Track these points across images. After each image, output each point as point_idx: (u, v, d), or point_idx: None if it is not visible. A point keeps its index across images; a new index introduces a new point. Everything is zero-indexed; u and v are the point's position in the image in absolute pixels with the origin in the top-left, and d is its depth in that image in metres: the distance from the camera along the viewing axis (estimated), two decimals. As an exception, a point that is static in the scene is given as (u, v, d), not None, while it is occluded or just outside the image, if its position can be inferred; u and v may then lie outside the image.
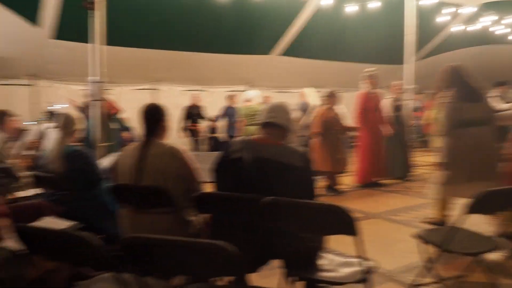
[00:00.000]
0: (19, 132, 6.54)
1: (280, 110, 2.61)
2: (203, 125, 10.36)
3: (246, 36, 9.77)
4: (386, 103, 7.02)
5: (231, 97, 9.92)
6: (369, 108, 6.57)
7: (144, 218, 2.71)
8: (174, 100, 10.88)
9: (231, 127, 9.85)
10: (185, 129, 9.94)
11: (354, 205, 5.32)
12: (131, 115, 10.48)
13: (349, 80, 10.08)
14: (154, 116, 2.82)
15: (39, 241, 1.91)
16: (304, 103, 7.79)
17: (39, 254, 1.99)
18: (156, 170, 2.63)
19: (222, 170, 2.60)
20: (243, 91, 11.71)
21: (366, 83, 6.66)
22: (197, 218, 2.78)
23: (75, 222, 2.40)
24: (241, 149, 2.52)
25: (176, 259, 1.69)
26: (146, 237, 1.71)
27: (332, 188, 6.32)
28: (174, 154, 2.68)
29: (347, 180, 6.81)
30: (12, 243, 2.06)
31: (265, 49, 10.73)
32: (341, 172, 6.39)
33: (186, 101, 10.46)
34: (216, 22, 9.01)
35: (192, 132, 10.02)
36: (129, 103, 10.51)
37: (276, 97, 11.74)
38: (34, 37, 8.18)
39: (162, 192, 2.54)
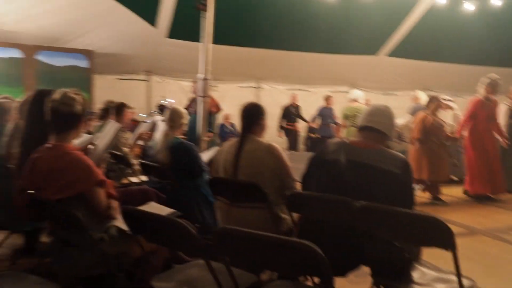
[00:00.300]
0: (135, 123, 7.18)
1: (381, 114, 2.51)
2: (300, 124, 10.36)
3: (351, 36, 9.52)
4: (502, 110, 6.40)
5: (327, 98, 9.86)
6: (480, 116, 5.99)
7: (238, 211, 2.81)
8: (275, 99, 11.11)
9: (325, 127, 9.80)
10: (282, 128, 10.01)
11: (459, 218, 4.94)
12: (234, 112, 10.95)
13: (461, 84, 9.37)
14: (252, 114, 2.92)
15: (143, 224, 2.09)
16: (416, 106, 7.28)
17: (142, 235, 2.17)
18: (251, 165, 2.72)
19: (315, 171, 2.59)
20: (345, 92, 11.53)
21: (483, 89, 6.07)
22: (289, 216, 2.81)
23: (175, 210, 2.57)
24: (336, 151, 2.49)
25: (265, 254, 1.73)
26: (238, 230, 1.77)
27: (436, 198, 5.95)
28: (270, 151, 2.74)
29: (455, 191, 6.35)
30: (120, 223, 2.28)
31: (371, 49, 10.38)
32: (443, 182, 5.98)
33: (287, 100, 10.59)
34: (321, 21, 8.91)
35: (289, 131, 10.04)
36: (233, 100, 10.95)
37: (381, 99, 11.38)
38: (151, 36, 8.87)
39: (255, 187, 2.62)
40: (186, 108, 7.11)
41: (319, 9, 8.53)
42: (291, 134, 10.08)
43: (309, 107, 11.08)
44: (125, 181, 4.32)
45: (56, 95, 2.17)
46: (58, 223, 2.21)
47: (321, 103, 10.39)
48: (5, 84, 8.19)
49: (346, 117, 7.36)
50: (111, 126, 2.61)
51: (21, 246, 3.65)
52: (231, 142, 2.96)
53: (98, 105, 8.50)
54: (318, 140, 10.49)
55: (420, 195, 5.83)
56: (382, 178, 2.30)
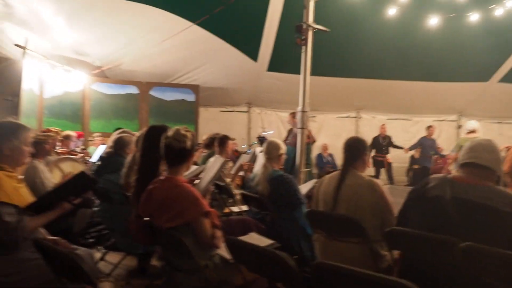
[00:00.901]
0: (236, 154, 7.50)
1: (483, 149, 2.34)
2: (393, 155, 9.99)
3: (459, 63, 9.05)
4: None
5: (428, 128, 9.51)
6: None
7: (336, 245, 2.80)
8: (375, 128, 10.86)
9: (426, 158, 9.32)
10: (373, 159, 9.66)
11: None
12: (332, 142, 10.92)
13: None
14: (356, 149, 2.93)
15: (245, 254, 2.20)
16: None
17: (243, 265, 2.27)
18: (352, 200, 2.71)
19: (416, 207, 2.50)
20: (453, 120, 10.91)
21: None
22: (388, 253, 2.73)
23: (274, 241, 2.65)
24: (439, 187, 2.38)
25: (361, 292, 1.72)
26: (336, 265, 1.78)
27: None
28: (371, 187, 2.72)
29: None
30: (223, 252, 2.41)
31: (482, 76, 9.74)
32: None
33: (388, 130, 10.31)
34: (424, 50, 8.64)
35: (378, 162, 9.74)
36: (331, 130, 11.00)
37: (494, 128, 10.60)
38: (252, 70, 9.31)
39: (355, 222, 2.60)
40: (284, 140, 7.30)
41: (423, 38, 8.26)
42: (379, 165, 9.77)
43: (412, 137, 10.69)
44: (226, 210, 4.52)
45: (170, 132, 2.41)
46: (168, 249, 2.40)
47: (425, 132, 9.96)
48: (123, 117, 9.13)
49: (460, 149, 6.76)
50: (217, 160, 2.79)
51: (135, 267, 3.99)
52: (332, 174, 2.98)
53: (203, 136, 9.08)
54: (420, 171, 10.01)
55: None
56: (491, 218, 2.14)
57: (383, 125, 9.80)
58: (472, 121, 7.00)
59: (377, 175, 9.60)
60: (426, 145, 9.39)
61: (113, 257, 4.26)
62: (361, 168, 2.91)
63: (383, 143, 9.66)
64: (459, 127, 11.08)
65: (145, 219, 2.45)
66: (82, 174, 2.56)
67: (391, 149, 9.83)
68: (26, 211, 2.32)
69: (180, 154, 2.39)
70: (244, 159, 5.16)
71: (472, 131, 6.63)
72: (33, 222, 2.34)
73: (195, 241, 2.30)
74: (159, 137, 2.95)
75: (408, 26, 7.92)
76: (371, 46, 8.56)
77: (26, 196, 2.43)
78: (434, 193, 2.37)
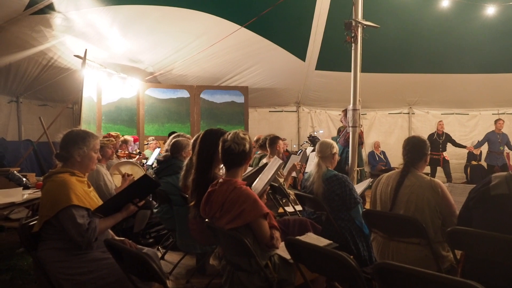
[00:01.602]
0: (287, 154, 7.53)
1: None
2: (448, 151, 9.46)
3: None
4: None
5: (497, 121, 8.90)
6: None
7: (395, 245, 2.77)
8: (428, 124, 10.57)
9: (493, 155, 8.82)
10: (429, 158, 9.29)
11: None
12: (384, 139, 10.71)
13: None
14: (418, 149, 2.90)
15: (304, 254, 2.22)
16: None
17: (302, 264, 2.30)
18: (411, 201, 2.67)
19: (478, 206, 2.42)
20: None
21: None
22: (450, 254, 2.67)
23: (331, 242, 2.65)
24: (503, 184, 2.30)
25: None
26: (398, 266, 1.76)
27: None
28: (432, 188, 2.67)
29: None
30: (282, 252, 2.45)
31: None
32: None
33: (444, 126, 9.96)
34: (480, 41, 8.26)
35: (434, 161, 9.23)
36: (382, 127, 10.78)
37: None
38: (300, 70, 9.31)
39: (415, 222, 2.55)
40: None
41: (479, 28, 7.92)
42: (435, 164, 9.26)
43: (469, 131, 10.29)
44: (281, 210, 4.57)
45: (229, 135, 2.48)
46: (229, 249, 2.47)
47: (483, 126, 9.55)
48: (176, 121, 9.40)
49: None
50: (275, 163, 2.83)
51: (193, 266, 4.12)
52: (390, 174, 2.94)
53: (253, 136, 9.19)
54: (480, 168, 9.61)
55: None
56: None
57: (440, 121, 9.36)
58: None
59: (433, 174, 9.19)
60: (494, 141, 8.83)
61: (172, 257, 4.44)
62: (422, 168, 2.87)
63: (439, 140, 9.23)
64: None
65: (206, 220, 2.53)
66: (145, 177, 2.68)
67: (449, 146, 9.38)
68: (96, 214, 2.47)
69: (239, 156, 2.46)
70: (295, 159, 5.17)
71: None
72: (103, 223, 2.48)
73: (255, 242, 2.36)
74: (214, 140, 3.06)
75: (462, 17, 7.61)
76: (422, 40, 8.33)
77: (95, 200, 2.58)
78: (498, 191, 2.29)
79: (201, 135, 3.23)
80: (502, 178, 2.33)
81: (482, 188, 2.42)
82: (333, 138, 8.60)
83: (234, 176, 2.47)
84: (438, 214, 2.65)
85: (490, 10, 7.28)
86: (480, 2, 7.22)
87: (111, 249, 2.15)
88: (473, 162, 9.92)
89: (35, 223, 2.44)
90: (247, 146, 2.47)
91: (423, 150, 2.90)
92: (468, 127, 10.53)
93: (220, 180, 2.50)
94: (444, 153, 9.22)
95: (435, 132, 9.31)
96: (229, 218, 2.34)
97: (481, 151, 10.04)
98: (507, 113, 10.61)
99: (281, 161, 2.86)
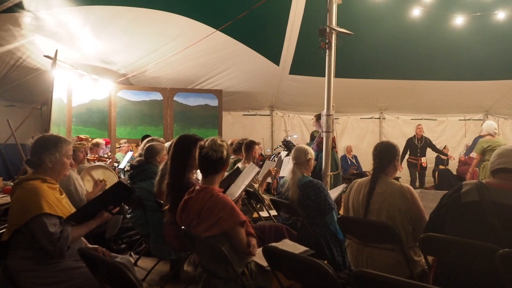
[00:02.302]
0: (261, 158, 7.54)
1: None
2: (429, 157, 9.60)
3: (484, 61, 8.88)
4: None
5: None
6: None
7: (369, 251, 2.81)
8: (399, 129, 10.81)
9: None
10: (407, 162, 9.43)
11: None
12: (356, 144, 10.88)
13: None
14: (387, 155, 2.92)
15: (280, 261, 2.23)
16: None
17: (279, 271, 2.31)
18: (382, 208, 2.72)
19: (450, 212, 2.48)
20: (479, 120, 10.72)
21: None
22: (422, 258, 2.73)
23: (307, 249, 2.68)
24: (474, 192, 2.37)
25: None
26: (376, 274, 1.79)
27: None
28: (403, 194, 2.71)
29: None
30: (259, 259, 2.45)
31: (509, 74, 9.43)
32: None
33: (411, 130, 10.21)
34: (449, 49, 8.51)
35: (412, 165, 9.41)
36: (355, 132, 10.96)
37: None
38: (274, 74, 9.36)
39: (388, 229, 2.61)
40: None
41: (448, 37, 8.14)
42: (414, 168, 9.43)
43: (438, 136, 10.59)
44: (255, 215, 4.57)
45: (206, 142, 2.46)
46: (206, 256, 2.46)
47: (452, 131, 9.83)
48: (149, 123, 9.29)
49: (482, 150, 6.26)
50: (251, 170, 2.84)
51: (168, 273, 4.07)
52: (361, 181, 2.99)
53: (227, 140, 9.16)
54: (447, 172, 9.89)
55: None
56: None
57: (419, 125, 9.43)
58: (490, 122, 6.73)
59: (412, 179, 9.32)
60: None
61: (146, 263, 4.37)
62: (392, 173, 2.91)
63: (418, 145, 9.27)
64: (486, 126, 10.92)
65: (182, 228, 2.51)
66: (119, 184, 2.64)
67: (429, 152, 9.46)
68: (68, 221, 2.40)
69: (216, 164, 2.45)
70: (269, 165, 5.18)
71: (491, 134, 6.32)
72: (75, 231, 2.43)
73: (232, 249, 2.35)
74: (187, 145, 3.06)
75: (433, 26, 7.82)
76: (394, 47, 8.51)
77: (68, 207, 2.52)
78: (470, 198, 2.36)
79: (175, 141, 3.22)
80: (473, 186, 2.40)
81: (454, 194, 2.49)
82: (308, 144, 8.68)
83: (211, 183, 2.46)
84: (409, 220, 2.70)
85: (459, 20, 7.51)
86: (450, 12, 7.45)
87: (85, 259, 2.10)
88: (441, 167, 10.21)
89: (4, 231, 2.36)
90: (225, 153, 2.46)
91: (391, 155, 2.93)
92: (436, 132, 10.82)
93: (197, 187, 2.49)
94: (423, 159, 9.23)
95: (414, 136, 9.36)
96: (206, 226, 2.33)
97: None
98: (473, 119, 10.97)
99: (258, 169, 2.87)
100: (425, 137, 9.36)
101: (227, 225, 2.29)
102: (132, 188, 2.85)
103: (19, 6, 5.76)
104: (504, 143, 6.30)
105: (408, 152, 9.34)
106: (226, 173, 3.34)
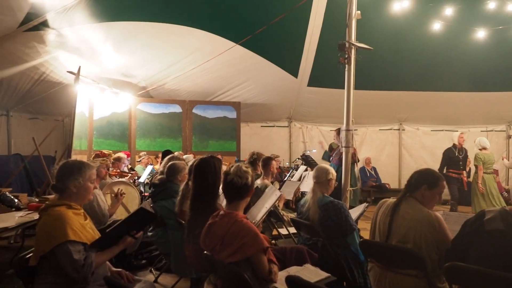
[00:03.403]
0: (279, 171, 7.53)
1: None
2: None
3: (506, 73, 8.76)
4: None
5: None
6: None
7: (392, 276, 2.76)
8: (418, 140, 10.68)
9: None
10: (445, 176, 7.22)
11: None
12: (375, 155, 10.79)
13: None
14: (419, 180, 2.82)
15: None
16: None
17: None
18: (409, 234, 2.65)
19: (474, 240, 2.43)
20: (502, 130, 10.55)
21: None
22: (446, 285, 2.67)
23: (329, 275, 2.66)
24: (498, 220, 2.32)
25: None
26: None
27: None
28: (430, 224, 2.63)
29: None
30: (280, 286, 2.44)
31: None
32: None
33: (431, 141, 10.09)
34: (470, 61, 8.41)
35: (452, 180, 7.80)
36: (373, 143, 10.87)
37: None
38: (292, 86, 9.37)
39: (413, 254, 2.56)
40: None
41: (468, 50, 8.06)
42: (455, 184, 7.83)
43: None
44: (274, 232, 4.56)
45: (232, 169, 2.48)
46: (228, 281, 2.46)
47: (471, 143, 9.62)
48: (168, 135, 9.38)
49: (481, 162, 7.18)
50: (272, 193, 2.84)
51: (188, 291, 4.08)
52: (389, 202, 2.93)
53: (244, 151, 9.21)
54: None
55: None
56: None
57: (461, 134, 8.10)
58: (483, 138, 7.56)
59: (453, 196, 7.81)
60: None
61: (166, 279, 4.40)
62: (421, 199, 2.81)
63: (460, 157, 7.90)
64: (509, 137, 10.70)
65: (205, 252, 2.52)
66: (142, 210, 2.67)
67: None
68: (93, 247, 2.43)
69: (241, 190, 2.46)
70: (290, 185, 5.16)
71: (484, 148, 7.36)
72: (99, 257, 2.45)
73: (254, 275, 2.35)
74: (208, 168, 3.07)
75: (453, 39, 7.76)
76: (414, 59, 8.45)
77: (92, 232, 2.55)
78: (494, 226, 2.31)
79: (195, 164, 3.23)
80: (496, 213, 2.35)
81: (477, 222, 2.44)
82: (325, 152, 8.64)
83: (235, 209, 2.47)
84: (436, 250, 2.64)
85: (481, 34, 7.43)
86: (471, 26, 7.37)
87: (110, 286, 2.12)
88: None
89: (31, 255, 2.40)
90: (250, 179, 2.48)
91: (421, 182, 2.81)
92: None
93: (221, 212, 2.50)
94: (464, 172, 8.00)
95: (454, 146, 8.03)
96: (229, 251, 2.33)
97: (470, 168, 10.12)
98: (495, 130, 10.78)
99: (279, 193, 2.86)
100: (465, 148, 8.09)
101: (250, 251, 2.29)
102: (154, 213, 2.88)
103: (44, 24, 5.90)
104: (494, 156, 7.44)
105: (446, 166, 7.99)
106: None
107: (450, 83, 9.12)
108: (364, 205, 4.05)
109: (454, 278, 2.44)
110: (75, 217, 2.44)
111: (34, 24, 5.78)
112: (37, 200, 4.76)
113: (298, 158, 8.84)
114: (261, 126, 10.91)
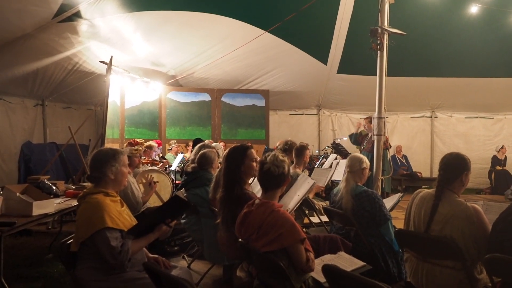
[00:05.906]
0: (310, 161, 7.48)
1: None
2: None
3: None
4: None
5: None
6: None
7: (429, 267, 2.71)
8: (452, 128, 10.41)
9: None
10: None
11: None
12: (406, 143, 10.59)
13: None
14: (453, 168, 2.71)
15: (340, 281, 2.20)
16: None
17: (337, 288, 2.28)
18: (445, 230, 2.58)
19: (509, 237, 2.33)
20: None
21: None
22: (484, 275, 2.60)
23: (364, 264, 2.63)
24: None
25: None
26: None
27: None
28: (469, 218, 2.53)
29: None
30: (317, 275, 2.43)
31: None
32: None
33: (464, 129, 9.82)
34: (506, 46, 8.08)
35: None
36: (404, 131, 10.66)
37: None
38: (322, 73, 9.25)
39: (452, 246, 2.50)
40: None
41: (505, 34, 7.73)
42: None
43: (494, 136, 10.12)
44: (306, 220, 4.55)
45: (268, 158, 2.48)
46: (264, 270, 2.47)
47: (508, 130, 9.33)
48: (197, 124, 9.45)
49: None
50: (304, 181, 2.82)
51: (220, 277, 4.13)
52: (423, 194, 2.85)
53: (273, 139, 9.19)
54: (504, 173, 9.40)
55: None
56: None
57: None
58: None
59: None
60: None
61: (199, 266, 4.46)
62: (458, 189, 2.72)
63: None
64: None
65: (239, 240, 2.54)
66: (176, 198, 2.70)
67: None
68: (129, 234, 2.48)
69: (278, 179, 2.46)
70: (320, 172, 5.13)
71: None
72: (135, 245, 2.50)
73: (290, 264, 2.35)
74: (239, 157, 3.07)
75: (491, 23, 7.46)
76: (448, 44, 8.19)
77: (128, 218, 2.60)
78: None
79: (227, 153, 3.24)
80: None
81: (509, 217, 2.35)
82: (351, 135, 8.51)
83: (271, 198, 2.47)
84: (474, 244, 2.54)
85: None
86: (510, 8, 7.06)
87: (149, 273, 2.16)
88: (498, 168, 9.73)
89: (72, 241, 2.47)
90: (286, 168, 2.47)
91: (459, 169, 2.69)
92: (493, 131, 10.33)
93: (257, 201, 2.50)
94: None
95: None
96: (265, 241, 2.33)
97: (506, 156, 9.85)
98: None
99: (312, 181, 2.84)
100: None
101: (287, 241, 2.29)
102: (188, 202, 2.91)
103: (77, 15, 6.01)
104: None
105: None
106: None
107: (486, 69, 8.79)
108: (398, 195, 3.98)
109: (495, 270, 2.39)
110: (113, 204, 2.49)
111: (67, 15, 5.89)
112: (73, 187, 4.89)
113: (328, 146, 8.77)
114: (290, 114, 10.85)
